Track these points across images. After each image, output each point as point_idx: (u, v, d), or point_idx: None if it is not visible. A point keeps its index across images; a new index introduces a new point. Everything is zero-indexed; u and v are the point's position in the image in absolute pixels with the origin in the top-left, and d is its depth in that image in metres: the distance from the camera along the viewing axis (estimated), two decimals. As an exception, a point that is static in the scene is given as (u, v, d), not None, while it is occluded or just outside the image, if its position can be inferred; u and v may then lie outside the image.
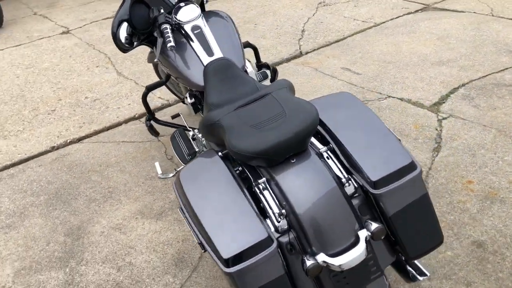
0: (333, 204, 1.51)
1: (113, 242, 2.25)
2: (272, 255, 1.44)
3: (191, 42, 2.14)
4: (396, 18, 4.55)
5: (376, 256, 1.55)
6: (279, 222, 1.50)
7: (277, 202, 1.52)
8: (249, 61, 2.44)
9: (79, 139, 3.12)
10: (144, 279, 2.04)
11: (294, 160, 1.57)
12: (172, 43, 2.00)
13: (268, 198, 1.54)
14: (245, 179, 1.65)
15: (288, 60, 3.97)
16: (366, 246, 1.49)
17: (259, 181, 1.56)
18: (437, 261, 2.01)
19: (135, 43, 2.25)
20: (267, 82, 2.78)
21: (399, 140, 1.69)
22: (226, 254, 1.40)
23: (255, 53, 2.80)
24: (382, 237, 1.51)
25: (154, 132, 2.57)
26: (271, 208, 1.52)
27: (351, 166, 1.60)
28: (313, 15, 4.86)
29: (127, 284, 2.03)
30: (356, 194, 1.59)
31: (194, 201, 1.54)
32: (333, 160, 1.62)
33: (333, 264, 1.45)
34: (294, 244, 1.52)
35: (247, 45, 2.73)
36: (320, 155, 1.61)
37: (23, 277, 2.13)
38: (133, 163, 2.81)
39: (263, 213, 1.51)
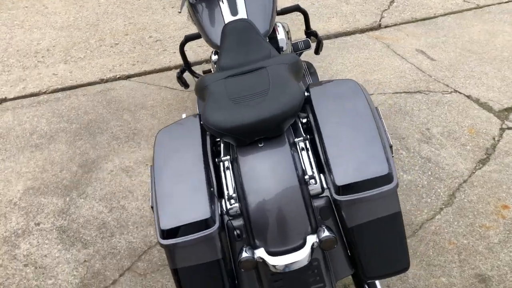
0: (288, 200, 1.38)
1: (116, 183, 2.31)
2: (210, 237, 1.36)
3: None
4: (505, 2, 3.97)
5: (322, 266, 1.41)
6: (231, 205, 1.41)
7: (233, 184, 1.43)
8: (283, 26, 2.27)
9: (128, 76, 3.20)
10: (128, 225, 2.08)
11: (262, 145, 1.44)
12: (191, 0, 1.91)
13: (228, 178, 1.45)
14: (219, 153, 1.57)
15: (362, 31, 3.67)
16: (311, 252, 1.35)
17: (223, 158, 1.47)
18: (426, 285, 1.80)
19: None
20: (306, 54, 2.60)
21: (391, 146, 1.49)
22: (164, 225, 1.35)
23: (305, 19, 2.60)
24: (332, 248, 1.36)
25: (184, 84, 2.54)
26: (227, 189, 1.43)
27: (325, 164, 1.44)
28: (412, -15, 4.41)
29: (111, 226, 2.09)
30: (323, 195, 1.43)
31: (157, 164, 1.50)
32: (307, 153, 1.47)
33: (269, 263, 1.34)
34: (242, 231, 1.43)
35: (296, 8, 2.54)
36: (294, 145, 1.46)
37: (29, 196, 2.28)
38: (166, 110, 2.82)
39: (222, 192, 1.43)
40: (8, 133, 2.71)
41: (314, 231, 1.38)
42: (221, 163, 1.47)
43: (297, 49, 2.51)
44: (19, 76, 3.23)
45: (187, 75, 2.48)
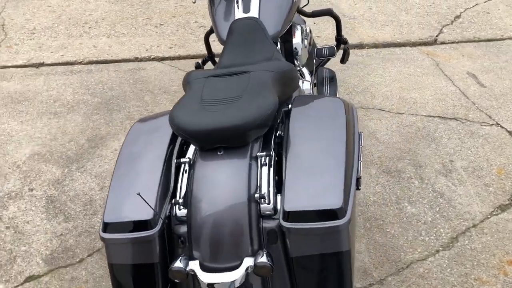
0: (232, 216, 1.29)
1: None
2: (147, 240, 1.31)
3: None
4: None
5: None
6: (180, 210, 1.36)
7: (185, 189, 1.37)
8: (302, 30, 2.15)
9: (162, 59, 3.21)
10: (113, 207, 2.08)
11: (222, 153, 1.36)
12: None
13: (182, 181, 1.39)
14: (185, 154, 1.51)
15: (414, 44, 3.42)
16: (246, 276, 1.27)
17: (182, 160, 1.42)
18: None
19: None
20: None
21: (359, 177, 1.36)
22: (106, 218, 1.33)
23: (336, 25, 2.46)
24: (266, 276, 1.27)
25: None
26: (179, 193, 1.37)
27: (282, 184, 1.35)
28: (485, 1, 4.05)
29: (97, 205, 2.11)
30: (275, 217, 1.33)
31: (122, 155, 1.48)
32: (268, 170, 1.37)
33: (199, 278, 1.28)
34: (185, 239, 1.37)
35: (328, 13, 2.40)
36: (256, 159, 1.37)
37: (32, 161, 2.35)
38: (187, 98, 2.80)
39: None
40: (34, 97, 2.81)
41: (254, 253, 1.29)
42: (182, 165, 1.41)
43: (321, 55, 2.38)
44: (62, 43, 3.34)
45: (209, 66, 2.44)
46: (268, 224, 1.31)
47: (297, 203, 1.24)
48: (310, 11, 2.56)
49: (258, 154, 1.37)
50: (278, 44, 2.01)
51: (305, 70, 2.34)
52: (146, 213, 1.29)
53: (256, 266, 1.24)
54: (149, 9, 3.83)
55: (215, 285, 1.26)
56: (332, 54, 2.36)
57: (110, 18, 3.68)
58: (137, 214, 1.30)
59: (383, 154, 2.43)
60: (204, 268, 1.28)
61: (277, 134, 1.48)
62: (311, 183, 1.28)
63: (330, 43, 2.46)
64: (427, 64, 3.18)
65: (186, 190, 1.35)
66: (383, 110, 2.75)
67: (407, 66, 3.16)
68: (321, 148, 1.37)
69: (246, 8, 1.91)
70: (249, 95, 1.41)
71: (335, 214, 1.22)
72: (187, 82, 1.57)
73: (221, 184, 1.32)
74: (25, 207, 2.12)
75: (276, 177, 1.37)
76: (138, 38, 3.42)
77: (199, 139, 1.35)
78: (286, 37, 2.08)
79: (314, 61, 2.42)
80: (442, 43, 3.45)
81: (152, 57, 3.21)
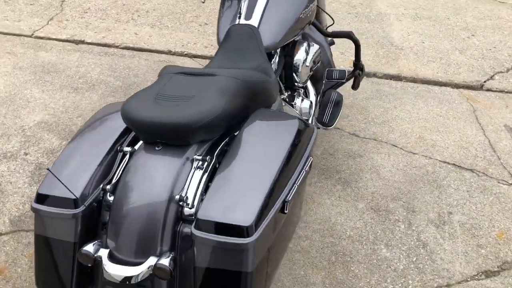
0: (150, 213, 1.28)
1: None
2: (69, 217, 1.34)
3: None
4: None
5: None
6: (110, 197, 1.37)
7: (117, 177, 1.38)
8: (308, 46, 2.09)
9: (194, 56, 3.26)
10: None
11: (159, 148, 1.36)
12: None
13: (118, 168, 1.41)
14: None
15: (457, 86, 3.22)
16: (151, 275, 1.24)
17: (125, 148, 1.43)
18: None
19: None
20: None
21: (286, 201, 1.33)
22: (40, 190, 1.37)
23: (355, 49, 2.38)
24: (164, 279, 1.24)
25: None
26: (111, 180, 1.39)
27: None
28: (554, 54, 3.74)
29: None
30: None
31: (78, 133, 1.52)
32: (202, 175, 1.34)
33: (102, 265, 1.27)
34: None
35: (347, 36, 2.33)
36: (192, 161, 1.35)
37: (37, 128, 2.47)
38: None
39: None
40: (63, 70, 2.96)
41: (161, 254, 1.26)
42: (120, 151, 1.43)
43: (330, 76, 2.31)
44: (107, 26, 3.50)
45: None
46: (186, 229, 1.29)
47: (210, 212, 1.21)
48: (331, 30, 2.51)
49: (195, 157, 1.35)
50: (276, 56, 1.97)
51: (310, 89, 2.27)
52: (75, 192, 1.31)
53: (155, 266, 1.22)
54: (200, 8, 3.91)
55: (114, 276, 1.24)
56: (341, 77, 2.28)
57: (160, 10, 3.80)
58: (64, 191, 1.31)
59: (378, 190, 2.29)
60: (112, 258, 1.27)
61: (225, 142, 1.45)
62: (231, 196, 1.25)
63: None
64: (463, 109, 2.97)
65: (118, 179, 1.36)
66: (396, 146, 2.60)
67: (440, 106, 2.97)
68: (256, 163, 1.33)
69: (248, 16, 1.89)
70: (202, 97, 1.39)
71: (242, 231, 1.18)
72: (159, 74, 1.59)
73: (148, 179, 1.31)
74: (14, 169, 2.23)
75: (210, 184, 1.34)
76: (179, 33, 3.50)
77: (139, 130, 1.36)
78: (289, 51, 2.04)
79: (324, 81, 2.34)
80: (488, 90, 3.22)
81: (185, 52, 3.27)
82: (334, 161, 2.45)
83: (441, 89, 3.18)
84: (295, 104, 2.13)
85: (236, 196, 1.24)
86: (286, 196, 1.31)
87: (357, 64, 2.43)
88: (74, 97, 2.72)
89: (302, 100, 2.16)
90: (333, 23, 2.54)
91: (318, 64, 2.17)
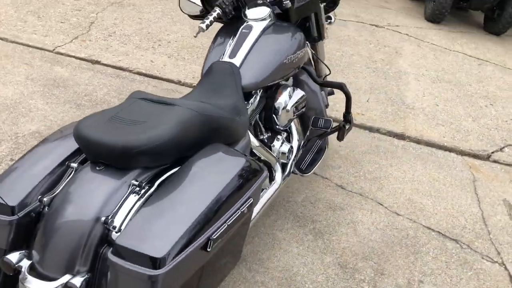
0: (73, 230, 1.28)
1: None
2: (4, 224, 1.35)
3: (234, 36, 1.99)
4: None
5: None
6: (47, 209, 1.38)
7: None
8: (291, 92, 2.09)
9: (202, 89, 3.32)
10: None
11: (100, 168, 1.37)
12: (203, 25, 1.91)
13: (61, 183, 1.43)
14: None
15: (461, 153, 3.12)
16: None
17: (72, 164, 1.44)
18: None
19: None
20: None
21: (211, 239, 1.31)
22: None
23: (346, 101, 2.37)
24: None
25: None
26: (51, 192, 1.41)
27: None
28: None
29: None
30: None
31: (40, 142, 1.56)
32: (136, 199, 1.34)
33: (20, 276, 1.28)
34: None
35: (339, 87, 2.32)
36: (129, 185, 1.35)
37: (30, 137, 2.54)
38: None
39: None
40: (72, 86, 3.07)
41: (77, 273, 1.25)
42: (68, 165, 1.45)
43: (315, 124, 2.30)
44: (126, 50, 3.63)
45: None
46: (108, 253, 1.28)
47: (127, 239, 1.20)
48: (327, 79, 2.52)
49: (132, 181, 1.35)
50: (256, 96, 1.98)
51: (294, 134, 2.26)
52: (11, 199, 1.33)
53: (65, 284, 1.21)
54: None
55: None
56: (326, 127, 2.27)
57: (182, 42, 3.92)
58: (5, 197, 1.34)
59: (350, 246, 2.21)
60: (32, 271, 1.27)
61: (171, 172, 1.45)
62: (153, 225, 1.24)
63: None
64: (463, 177, 2.87)
65: (56, 193, 1.37)
66: (381, 205, 2.52)
67: (438, 171, 2.88)
68: (187, 197, 1.32)
69: (233, 54, 1.92)
70: (151, 124, 1.41)
71: (153, 262, 1.16)
72: (126, 98, 1.62)
73: (80, 197, 1.32)
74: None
75: None
76: (193, 66, 3.59)
77: (84, 148, 1.38)
78: (271, 93, 2.05)
79: (310, 129, 2.33)
80: (495, 161, 3.11)
81: (193, 84, 3.34)
82: (312, 210, 2.40)
83: (444, 154, 3.09)
84: (273, 146, 2.12)
85: (158, 226, 1.23)
86: (212, 234, 1.29)
87: (346, 116, 2.40)
88: (74, 113, 2.80)
89: (282, 143, 2.15)
90: (330, 73, 2.55)
91: (302, 110, 2.17)
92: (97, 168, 1.36)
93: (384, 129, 3.22)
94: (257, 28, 2.00)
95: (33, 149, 1.50)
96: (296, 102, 2.09)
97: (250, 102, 1.94)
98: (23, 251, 1.32)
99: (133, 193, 1.33)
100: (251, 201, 1.44)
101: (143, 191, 1.34)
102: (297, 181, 2.57)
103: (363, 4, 5.83)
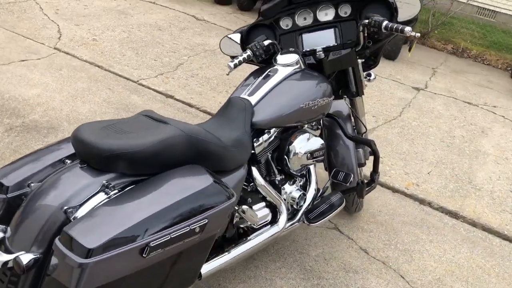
0: (38, 214, 1.40)
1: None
2: None
3: (259, 77, 2.09)
4: None
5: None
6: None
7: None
8: (309, 137, 2.08)
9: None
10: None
11: (82, 166, 1.50)
12: (230, 64, 2.05)
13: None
14: None
15: (506, 237, 2.77)
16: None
17: (67, 160, 1.59)
18: None
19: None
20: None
21: (148, 245, 1.34)
22: None
23: (374, 160, 2.29)
24: (17, 271, 1.32)
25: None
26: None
27: None
28: None
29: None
30: None
31: (48, 145, 1.75)
32: (103, 199, 1.44)
33: None
34: None
35: (367, 143, 2.27)
36: (99, 185, 1.45)
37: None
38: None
39: None
40: (128, 108, 3.35)
41: (31, 253, 1.36)
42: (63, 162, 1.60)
43: (335, 177, 2.25)
44: (201, 91, 3.88)
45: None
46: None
47: (74, 228, 1.28)
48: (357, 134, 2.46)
49: (104, 182, 1.45)
50: (268, 134, 2.00)
51: (312, 183, 2.22)
52: (7, 181, 1.51)
53: (14, 258, 1.31)
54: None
55: None
56: (345, 181, 2.21)
57: (223, 79, 4.09)
58: (3, 179, 1.51)
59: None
60: (2, 244, 1.41)
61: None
62: (100, 220, 1.31)
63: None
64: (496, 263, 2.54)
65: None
66: (402, 278, 2.32)
67: (487, 258, 2.58)
68: (141, 201, 1.39)
69: (252, 93, 2.01)
70: (136, 135, 1.51)
71: (83, 251, 1.23)
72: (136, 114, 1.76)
73: (54, 187, 1.44)
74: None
75: None
76: (220, 98, 3.71)
77: (73, 146, 1.51)
78: (287, 135, 2.06)
79: (330, 180, 2.27)
80: None
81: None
82: (323, 266, 2.29)
83: (502, 242, 2.77)
84: (283, 189, 2.10)
85: (103, 223, 1.29)
86: (152, 241, 1.32)
87: (373, 174, 2.31)
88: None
89: (295, 188, 2.12)
90: (366, 131, 2.50)
91: (318, 159, 2.13)
92: (80, 166, 1.48)
93: (437, 204, 2.99)
94: (282, 72, 2.06)
95: (45, 146, 1.67)
96: (311, 150, 2.07)
97: (260, 139, 1.97)
98: (3, 226, 1.45)
99: (103, 192, 1.42)
100: (206, 222, 1.45)
101: (112, 192, 1.42)
102: (318, 235, 2.48)
103: (462, 81, 5.59)
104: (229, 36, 2.32)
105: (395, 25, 1.96)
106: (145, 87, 3.76)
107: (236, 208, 1.85)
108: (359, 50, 2.21)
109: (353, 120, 2.53)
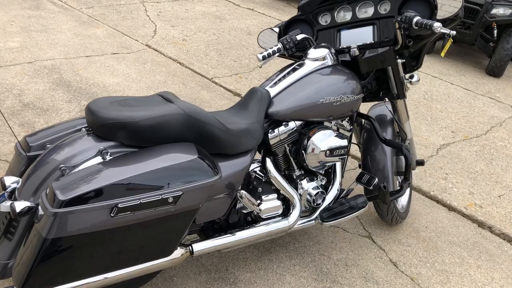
0: (41, 170, 1.56)
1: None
2: (23, 157, 1.71)
3: (286, 70, 2.10)
4: None
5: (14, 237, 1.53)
6: None
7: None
8: (332, 133, 2.02)
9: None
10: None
11: (88, 133, 1.64)
12: (259, 55, 2.09)
13: None
14: None
15: None
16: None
17: (83, 128, 1.75)
18: None
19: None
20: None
21: (116, 206, 1.43)
22: (27, 136, 1.82)
23: (405, 167, 2.16)
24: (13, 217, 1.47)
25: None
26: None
27: None
28: None
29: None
30: None
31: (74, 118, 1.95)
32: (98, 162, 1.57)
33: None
34: None
35: (399, 148, 2.14)
36: (98, 150, 1.58)
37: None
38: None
39: None
40: (204, 107, 3.50)
41: (27, 200, 1.52)
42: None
43: (359, 179, 2.18)
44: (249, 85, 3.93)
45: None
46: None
47: (58, 183, 1.42)
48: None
49: (101, 147, 1.57)
50: (285, 126, 1.98)
51: (335, 183, 2.14)
52: (32, 141, 1.71)
53: (11, 204, 1.46)
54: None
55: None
56: (368, 184, 2.13)
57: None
58: (29, 140, 1.71)
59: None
60: (12, 194, 1.59)
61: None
62: (81, 178, 1.43)
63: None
64: None
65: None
66: (429, 298, 2.12)
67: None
68: (122, 166, 1.49)
69: (274, 84, 2.03)
70: (140, 109, 1.62)
71: (57, 202, 1.36)
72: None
73: (60, 149, 1.60)
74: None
75: None
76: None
77: (85, 116, 1.66)
78: (307, 130, 2.03)
79: (355, 183, 2.17)
80: None
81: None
82: (342, 272, 2.19)
83: None
84: (300, 185, 2.06)
85: (82, 181, 1.41)
86: (120, 203, 1.40)
87: (403, 182, 2.16)
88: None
89: (314, 186, 2.07)
90: (406, 137, 2.36)
91: (339, 159, 2.06)
92: (87, 132, 1.63)
93: (499, 229, 2.69)
94: (309, 66, 2.04)
95: (73, 118, 1.85)
96: (331, 147, 2.00)
97: (276, 130, 1.96)
98: (18, 178, 1.64)
99: (100, 156, 1.54)
100: (180, 194, 1.49)
101: (108, 158, 1.54)
102: (346, 240, 2.38)
103: None
104: (268, 29, 2.35)
105: (425, 21, 1.84)
106: (217, 84, 3.91)
107: (238, 193, 1.86)
108: (399, 50, 2.10)
109: (396, 124, 2.40)
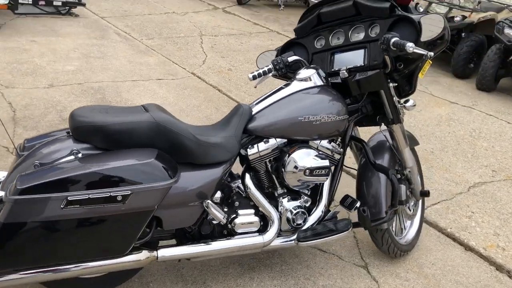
0: (22, 166, 1.70)
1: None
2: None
3: (275, 89, 2.15)
4: None
5: None
6: None
7: None
8: (314, 154, 2.00)
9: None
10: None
11: (68, 136, 1.79)
12: (250, 75, 2.19)
13: None
14: None
15: None
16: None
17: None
18: None
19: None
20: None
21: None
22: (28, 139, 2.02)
23: (392, 194, 2.09)
24: None
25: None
26: None
27: None
28: None
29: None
30: None
31: None
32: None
33: None
34: None
35: (385, 172, 2.13)
36: (72, 152, 1.71)
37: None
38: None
39: None
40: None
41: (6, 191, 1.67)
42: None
43: (342, 201, 2.11)
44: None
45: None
46: None
47: (27, 174, 1.55)
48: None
49: (73, 148, 1.69)
50: (266, 142, 1.99)
51: (320, 205, 2.10)
52: (27, 142, 1.88)
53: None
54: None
55: None
56: (350, 207, 2.06)
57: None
58: (27, 142, 1.89)
59: None
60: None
61: None
62: (44, 172, 1.56)
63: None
64: None
65: None
66: (415, 336, 1.97)
67: None
68: (81, 164, 1.59)
69: (259, 102, 2.10)
70: (114, 116, 1.73)
71: (16, 190, 1.49)
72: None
73: (41, 148, 1.74)
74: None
75: None
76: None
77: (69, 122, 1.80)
78: (288, 148, 2.03)
79: (337, 205, 2.12)
80: None
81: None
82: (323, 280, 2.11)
83: None
84: (281, 203, 2.05)
85: (43, 174, 1.54)
86: (70, 196, 1.50)
87: (387, 210, 2.07)
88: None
89: (295, 206, 2.04)
90: (405, 165, 2.28)
91: (320, 179, 2.02)
92: (67, 135, 1.77)
93: (518, 274, 2.45)
94: (295, 86, 2.07)
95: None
96: (311, 166, 1.98)
97: (255, 146, 1.98)
98: (6, 172, 1.81)
99: (72, 156, 1.66)
100: (129, 193, 1.56)
101: (79, 157, 1.66)
102: (338, 268, 2.30)
103: None
104: (267, 51, 2.41)
105: (401, 42, 1.81)
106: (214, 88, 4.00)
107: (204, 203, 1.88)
108: (389, 73, 2.07)
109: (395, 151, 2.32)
